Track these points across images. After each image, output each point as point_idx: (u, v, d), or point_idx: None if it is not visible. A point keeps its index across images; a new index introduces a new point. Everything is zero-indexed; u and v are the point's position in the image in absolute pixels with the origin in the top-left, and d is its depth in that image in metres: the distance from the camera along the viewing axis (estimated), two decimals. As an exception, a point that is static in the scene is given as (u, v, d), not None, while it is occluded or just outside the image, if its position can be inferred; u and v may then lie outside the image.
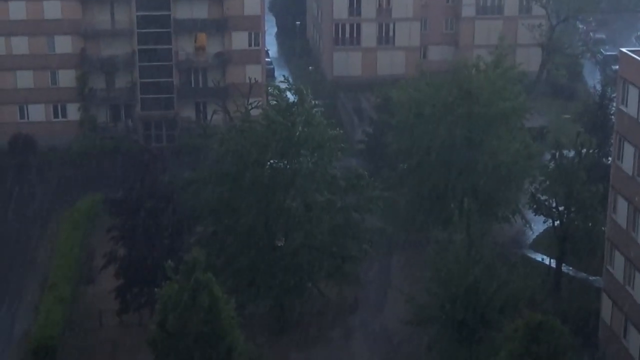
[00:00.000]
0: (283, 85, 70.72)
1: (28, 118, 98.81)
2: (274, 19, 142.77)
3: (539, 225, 79.86)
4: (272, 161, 67.46)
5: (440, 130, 74.33)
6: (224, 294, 52.17)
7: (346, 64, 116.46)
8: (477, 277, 58.38)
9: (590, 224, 72.22)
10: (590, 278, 74.71)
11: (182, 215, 67.80)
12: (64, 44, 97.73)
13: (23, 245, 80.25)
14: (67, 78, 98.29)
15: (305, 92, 68.26)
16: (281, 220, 66.22)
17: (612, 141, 67.63)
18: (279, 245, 67.04)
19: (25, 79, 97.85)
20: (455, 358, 61.35)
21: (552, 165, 73.76)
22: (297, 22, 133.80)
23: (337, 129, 69.59)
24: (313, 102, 69.54)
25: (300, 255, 65.97)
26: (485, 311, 58.85)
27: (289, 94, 69.84)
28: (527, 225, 78.28)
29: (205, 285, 50.69)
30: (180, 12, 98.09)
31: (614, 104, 72.45)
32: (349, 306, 72.14)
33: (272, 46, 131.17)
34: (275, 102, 68.48)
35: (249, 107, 71.12)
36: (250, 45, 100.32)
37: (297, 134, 66.62)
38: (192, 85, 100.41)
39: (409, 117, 77.10)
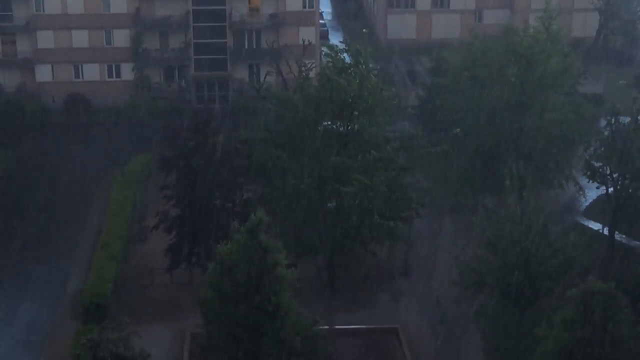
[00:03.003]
0: (341, 46, 70.50)
1: (83, 77, 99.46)
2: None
3: (591, 192, 79.10)
4: (326, 122, 67.48)
5: (492, 93, 73.86)
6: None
7: (400, 27, 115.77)
8: (530, 243, 58.00)
9: (644, 191, 71.44)
10: (643, 246, 74.08)
11: (234, 174, 68.02)
12: (119, 4, 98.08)
13: (77, 204, 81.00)
14: (121, 38, 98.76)
15: (362, 53, 68.05)
16: (334, 180, 66.13)
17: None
18: (330, 207, 67.02)
19: (80, 39, 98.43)
20: (504, 323, 61.19)
21: (607, 131, 72.91)
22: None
23: (392, 90, 69.52)
24: (370, 64, 69.21)
25: (351, 215, 65.94)
26: (537, 278, 58.49)
27: (345, 56, 69.63)
28: (580, 192, 77.54)
29: (267, 248, 50.42)
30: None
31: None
32: (398, 269, 72.09)
33: (326, 8, 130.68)
34: (331, 63, 68.37)
35: (304, 67, 70.84)
36: (304, 7, 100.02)
37: (352, 95, 66.48)
38: (246, 47, 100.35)
39: (462, 81, 76.70)
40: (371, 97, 67.03)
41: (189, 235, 67.70)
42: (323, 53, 70.70)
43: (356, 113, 67.18)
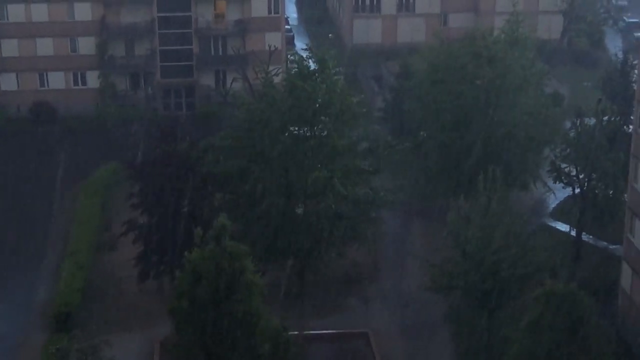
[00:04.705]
0: (305, 54, 70.53)
1: (48, 86, 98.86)
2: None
3: (558, 193, 79.55)
4: (292, 128, 67.47)
5: (457, 95, 74.21)
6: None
7: (366, 31, 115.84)
8: (498, 245, 58.19)
9: (610, 192, 71.94)
10: (610, 247, 74.48)
11: (201, 181, 67.86)
12: (84, 11, 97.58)
13: (43, 213, 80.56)
14: (87, 45, 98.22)
15: (327, 59, 68.08)
16: (301, 187, 66.16)
17: (633, 109, 67.17)
18: (298, 212, 67.06)
19: (45, 47, 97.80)
20: (474, 326, 61.40)
21: (572, 132, 73.41)
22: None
23: (362, 96, 69.72)
24: (336, 69, 69.33)
25: (320, 221, 66.02)
26: (506, 280, 58.68)
27: (310, 62, 69.68)
28: (550, 192, 77.98)
29: (232, 254, 50.33)
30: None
31: (636, 72, 71.94)
32: (367, 273, 72.18)
33: (292, 14, 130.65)
34: (296, 69, 68.40)
35: (270, 74, 70.80)
36: (270, 12, 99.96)
37: (319, 100, 66.53)
38: (212, 53, 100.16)
39: (427, 84, 77.03)
40: (339, 103, 67.12)
41: (157, 244, 67.46)
42: (289, 60, 70.65)
43: (323, 118, 67.25)
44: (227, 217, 51.21)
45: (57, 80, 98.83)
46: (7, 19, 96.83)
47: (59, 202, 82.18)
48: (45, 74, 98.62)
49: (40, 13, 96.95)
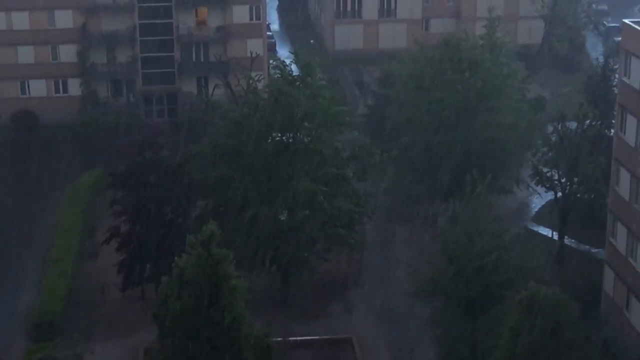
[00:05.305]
0: (288, 60, 70.53)
1: (29, 93, 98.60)
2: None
3: (540, 197, 79.84)
4: (275, 134, 67.39)
5: (438, 100, 74.39)
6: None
7: (348, 37, 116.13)
8: (483, 249, 58.27)
9: (592, 196, 72.20)
10: (592, 250, 74.71)
11: (184, 189, 67.74)
12: (65, 19, 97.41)
13: (26, 221, 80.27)
14: (68, 53, 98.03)
15: (312, 65, 68.08)
16: (285, 195, 66.03)
17: (614, 113, 67.46)
18: (282, 219, 66.98)
19: (26, 54, 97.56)
20: (459, 331, 61.48)
21: (554, 136, 73.66)
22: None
23: (346, 106, 69.86)
24: (319, 75, 69.39)
25: (304, 228, 65.97)
26: (490, 286, 58.77)
27: (293, 68, 69.69)
28: (536, 194, 78.24)
29: (219, 260, 50.31)
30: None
31: (617, 76, 72.23)
32: (351, 278, 72.19)
33: (273, 20, 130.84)
34: (279, 75, 68.38)
35: (252, 80, 70.73)
36: (251, 19, 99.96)
37: (301, 107, 66.49)
38: (194, 60, 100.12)
39: (407, 90, 77.18)
40: (324, 110, 67.09)
41: (140, 251, 67.31)
42: (271, 65, 70.68)
43: (307, 124, 67.17)
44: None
45: (39, 88, 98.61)
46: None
47: (42, 210, 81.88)
48: (26, 81, 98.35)
49: (21, 21, 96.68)
